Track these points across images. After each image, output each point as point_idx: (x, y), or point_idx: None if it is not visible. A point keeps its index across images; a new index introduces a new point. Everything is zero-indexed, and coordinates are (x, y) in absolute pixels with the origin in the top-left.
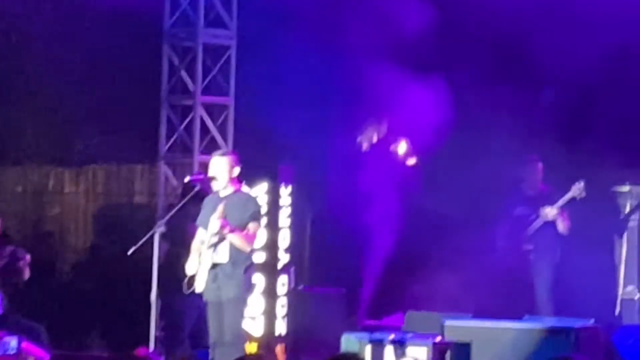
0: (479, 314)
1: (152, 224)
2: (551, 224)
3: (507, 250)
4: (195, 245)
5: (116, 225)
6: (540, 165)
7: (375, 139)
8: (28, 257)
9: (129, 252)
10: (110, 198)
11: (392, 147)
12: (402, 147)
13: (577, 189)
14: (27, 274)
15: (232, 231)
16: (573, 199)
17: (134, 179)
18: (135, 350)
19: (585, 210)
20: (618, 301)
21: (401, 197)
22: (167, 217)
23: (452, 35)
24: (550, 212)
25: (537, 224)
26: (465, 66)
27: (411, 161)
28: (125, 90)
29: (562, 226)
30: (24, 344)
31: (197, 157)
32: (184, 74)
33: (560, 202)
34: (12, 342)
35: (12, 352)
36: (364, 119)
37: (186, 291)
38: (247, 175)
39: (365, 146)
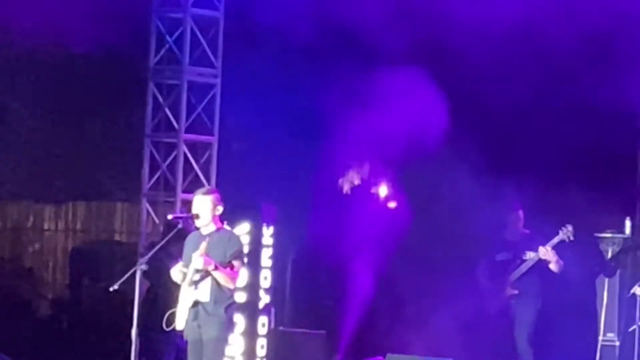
0: (458, 358)
1: (132, 261)
2: (536, 269)
3: (489, 294)
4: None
5: (96, 263)
6: (521, 212)
7: (356, 182)
8: None
9: (111, 289)
10: (90, 235)
11: (373, 190)
12: (383, 190)
13: (566, 232)
14: None
15: (216, 268)
16: (562, 242)
17: (114, 216)
18: None
19: (568, 253)
20: (598, 347)
21: (382, 239)
22: (149, 255)
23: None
24: (546, 252)
25: (523, 268)
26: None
27: (392, 204)
28: (108, 127)
29: (556, 266)
30: None
31: (180, 195)
32: (168, 111)
33: (551, 243)
34: None
35: None
36: (346, 161)
37: (166, 328)
38: (229, 215)
39: (346, 188)
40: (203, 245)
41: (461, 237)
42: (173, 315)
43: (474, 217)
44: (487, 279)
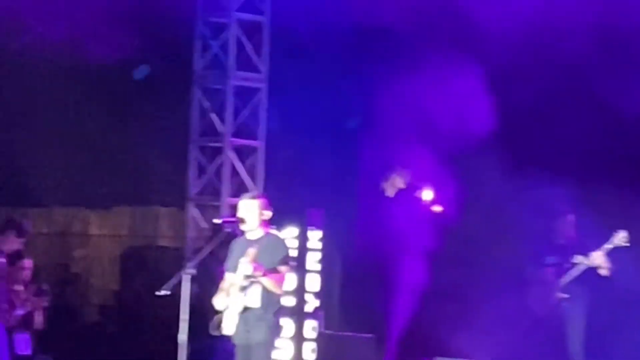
0: None
1: (178, 266)
2: (586, 273)
3: (538, 298)
4: (224, 285)
5: (142, 268)
6: (572, 217)
7: (400, 185)
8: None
9: (159, 294)
10: (136, 240)
11: (417, 194)
12: (427, 194)
13: (620, 238)
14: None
15: (265, 274)
16: (615, 247)
17: (159, 221)
18: None
19: (623, 257)
20: None
21: (428, 243)
22: (197, 260)
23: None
24: (598, 257)
25: (574, 272)
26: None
27: (437, 208)
28: (154, 132)
29: (606, 271)
30: None
31: (226, 200)
32: (214, 116)
33: (604, 249)
34: None
35: None
36: (391, 164)
37: (214, 333)
38: (276, 219)
39: (390, 192)
40: (252, 251)
41: (509, 240)
42: (221, 320)
43: (522, 220)
44: (536, 283)
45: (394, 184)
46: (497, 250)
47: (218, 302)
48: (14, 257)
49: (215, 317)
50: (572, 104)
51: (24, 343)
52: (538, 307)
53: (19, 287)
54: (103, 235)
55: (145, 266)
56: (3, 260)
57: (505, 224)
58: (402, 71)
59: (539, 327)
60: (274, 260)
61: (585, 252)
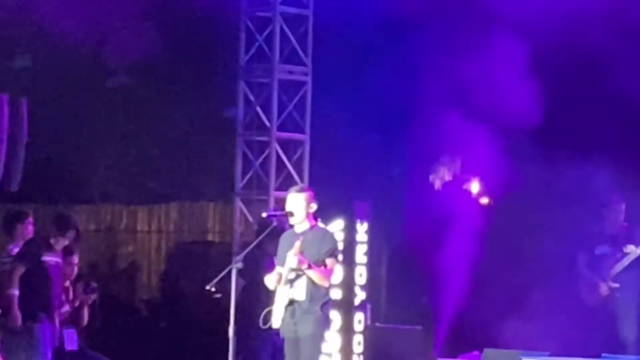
0: (556, 352)
1: (226, 260)
2: (637, 263)
3: (589, 288)
4: (271, 278)
5: (190, 263)
6: (622, 206)
7: (447, 178)
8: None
9: (207, 288)
10: (183, 236)
11: (465, 186)
12: (475, 186)
13: None
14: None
15: (310, 267)
16: None
17: (206, 216)
18: None
19: None
20: None
21: (476, 235)
22: (244, 253)
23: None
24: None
25: (625, 262)
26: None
27: (484, 200)
28: (200, 127)
29: None
30: None
31: (273, 193)
32: (259, 110)
33: None
34: None
35: None
36: (438, 157)
37: (263, 327)
38: (323, 212)
39: (437, 185)
40: (297, 244)
41: (559, 230)
42: (269, 313)
43: (572, 210)
44: (587, 273)
45: (442, 176)
46: (547, 240)
47: (268, 280)
48: (64, 254)
49: (265, 311)
50: (621, 86)
51: (71, 339)
52: (589, 298)
53: (67, 284)
54: (150, 231)
55: (193, 261)
56: (59, 260)
57: (555, 213)
58: (448, 59)
59: (590, 317)
60: (320, 253)
61: (636, 241)
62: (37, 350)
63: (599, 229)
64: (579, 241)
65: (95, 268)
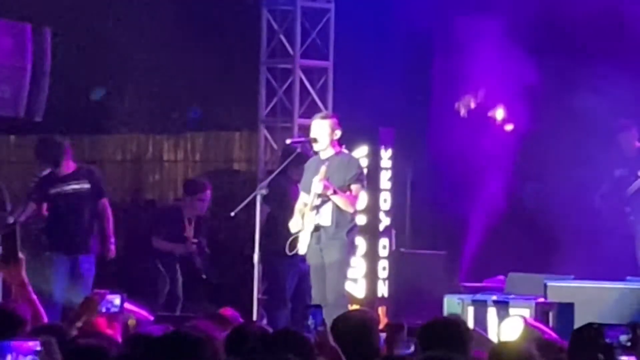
0: (580, 276)
1: (252, 189)
2: None
3: (608, 211)
4: (298, 206)
5: (216, 192)
6: (634, 130)
7: (473, 105)
8: None
9: (232, 214)
10: (209, 165)
11: (490, 113)
12: (499, 113)
13: None
14: None
15: (335, 192)
16: None
17: (232, 145)
18: (221, 310)
19: None
20: None
21: (500, 162)
22: (268, 180)
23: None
24: None
25: (636, 185)
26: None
27: (509, 127)
28: (223, 56)
29: None
30: (127, 304)
31: (297, 121)
32: (282, 37)
33: None
34: (116, 300)
35: (115, 310)
36: (463, 83)
37: (289, 253)
38: (347, 139)
39: (462, 112)
40: (322, 169)
41: (584, 156)
42: (296, 239)
43: (597, 135)
44: (605, 195)
45: (467, 104)
46: (572, 165)
47: (293, 224)
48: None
49: (291, 237)
50: None
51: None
52: (607, 220)
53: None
54: (176, 160)
55: (219, 189)
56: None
57: (580, 139)
58: None
59: (610, 241)
60: (345, 179)
61: None
62: (53, 278)
63: (618, 151)
64: (603, 167)
65: (121, 198)
